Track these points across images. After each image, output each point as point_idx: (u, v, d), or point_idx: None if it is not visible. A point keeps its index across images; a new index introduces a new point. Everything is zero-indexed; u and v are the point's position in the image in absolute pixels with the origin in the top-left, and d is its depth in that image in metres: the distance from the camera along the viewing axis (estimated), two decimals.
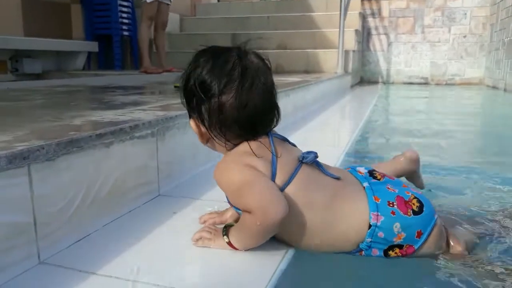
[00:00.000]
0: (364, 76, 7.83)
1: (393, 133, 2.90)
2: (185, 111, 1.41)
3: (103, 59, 5.91)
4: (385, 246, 0.93)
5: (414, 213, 0.94)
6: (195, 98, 0.94)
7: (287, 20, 6.70)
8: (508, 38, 6.14)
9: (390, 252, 0.94)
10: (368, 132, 2.78)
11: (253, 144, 0.95)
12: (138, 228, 1.04)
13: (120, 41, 5.76)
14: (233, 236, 0.93)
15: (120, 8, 5.66)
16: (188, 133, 1.43)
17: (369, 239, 0.92)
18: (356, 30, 6.73)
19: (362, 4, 7.57)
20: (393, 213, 0.92)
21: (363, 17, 7.56)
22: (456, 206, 1.31)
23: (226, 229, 0.95)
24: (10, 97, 2.07)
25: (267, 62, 0.98)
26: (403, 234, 0.92)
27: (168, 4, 5.00)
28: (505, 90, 6.15)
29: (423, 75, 7.69)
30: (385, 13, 7.63)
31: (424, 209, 0.95)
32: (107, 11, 5.60)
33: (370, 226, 0.92)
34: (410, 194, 0.98)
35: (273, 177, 0.91)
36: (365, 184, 0.98)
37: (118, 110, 1.42)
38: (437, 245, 0.97)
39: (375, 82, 7.79)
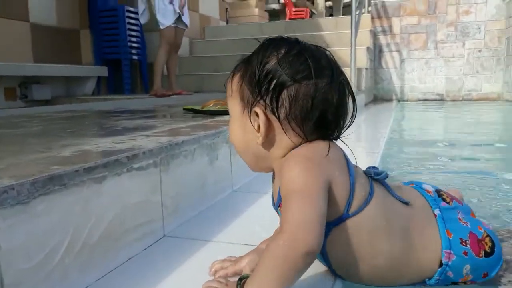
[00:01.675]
0: (378, 94, 7.65)
1: (417, 161, 2.68)
2: (192, 137, 1.26)
3: (113, 84, 5.85)
4: (449, 283, 0.85)
5: (486, 254, 0.84)
6: (277, 80, 0.79)
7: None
8: None
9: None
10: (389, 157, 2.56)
11: (334, 147, 0.82)
12: (139, 281, 0.86)
13: (130, 65, 5.69)
14: (250, 281, 0.74)
15: (129, 32, 5.61)
16: (196, 160, 1.26)
17: (437, 277, 0.83)
18: (368, 48, 6.60)
19: (373, 21, 7.45)
20: (465, 253, 0.83)
21: (374, 34, 7.43)
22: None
23: (241, 282, 0.76)
24: (8, 124, 1.93)
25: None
26: (470, 276, 0.84)
27: (183, 29, 4.97)
28: None
29: (438, 91, 7.49)
30: (396, 30, 7.50)
31: (495, 249, 0.85)
32: (116, 36, 5.56)
33: (441, 264, 0.82)
34: (482, 230, 0.87)
35: (350, 195, 0.79)
36: (437, 212, 0.86)
37: (117, 137, 1.26)
38: None
39: (389, 100, 7.60)
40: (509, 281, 0.90)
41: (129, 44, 5.62)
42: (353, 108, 0.87)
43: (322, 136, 0.82)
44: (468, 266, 0.83)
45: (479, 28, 7.13)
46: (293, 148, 0.82)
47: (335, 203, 0.77)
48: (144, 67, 6.00)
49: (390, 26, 7.48)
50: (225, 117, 1.93)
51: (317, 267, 0.89)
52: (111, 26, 5.56)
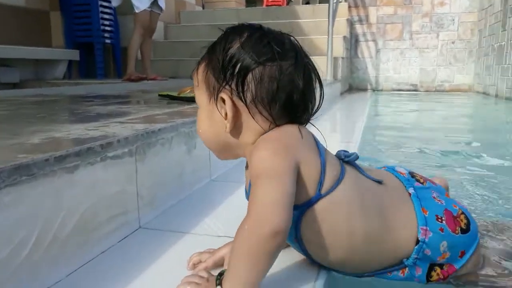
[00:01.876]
0: (353, 83, 7.71)
1: (393, 146, 2.72)
2: (170, 124, 1.22)
3: (85, 68, 5.67)
4: (427, 264, 0.82)
5: (462, 231, 0.84)
6: (241, 64, 0.78)
7: (274, 27, 6.47)
8: (498, 44, 6.07)
9: (433, 273, 0.83)
10: (367, 144, 2.59)
11: (303, 130, 0.82)
12: (113, 276, 0.82)
13: (102, 49, 5.52)
14: (226, 274, 0.71)
15: (101, 15, 5.43)
16: (173, 149, 1.22)
17: (415, 256, 0.81)
18: (344, 37, 6.60)
19: (350, 10, 7.46)
20: (441, 230, 0.81)
21: (351, 23, 7.44)
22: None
23: (221, 278, 0.73)
24: None
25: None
26: (448, 254, 0.82)
27: (158, 13, 4.84)
28: (496, 96, 6.06)
29: (412, 82, 7.60)
30: (372, 19, 7.54)
31: (470, 227, 0.85)
32: (88, 18, 5.38)
33: (418, 241, 0.80)
34: (457, 208, 0.86)
35: (321, 174, 0.77)
36: (411, 191, 0.86)
37: (90, 124, 1.20)
38: (476, 264, 0.88)
39: (364, 89, 7.66)
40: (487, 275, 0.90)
41: (102, 27, 5.44)
42: (320, 92, 0.86)
43: (291, 121, 0.82)
44: (445, 243, 0.81)
45: (453, 19, 7.24)
46: (262, 134, 0.81)
47: (306, 183, 0.76)
48: (118, 51, 5.84)
49: (367, 16, 7.51)
50: None
51: (299, 259, 0.87)
52: (83, 8, 5.37)
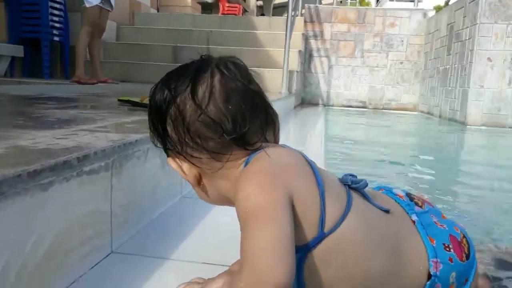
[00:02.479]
0: (305, 97, 7.81)
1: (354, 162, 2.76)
2: (146, 135, 1.11)
3: (29, 66, 5.30)
4: None
5: (466, 257, 0.77)
6: (159, 121, 0.74)
7: (230, 36, 6.49)
8: (443, 67, 6.39)
9: None
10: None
11: (288, 151, 0.74)
12: None
13: (50, 46, 5.20)
14: None
15: (51, 10, 5.12)
16: (148, 162, 1.12)
17: None
18: (300, 51, 6.69)
19: (305, 25, 7.59)
20: (450, 260, 0.75)
21: (306, 38, 7.56)
22: None
23: None
24: None
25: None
26: (455, 284, 0.76)
27: (109, 11, 4.62)
28: (440, 116, 6.36)
29: (361, 99, 7.82)
30: (327, 35, 7.70)
31: (471, 250, 0.79)
32: (37, 13, 5.04)
33: (429, 276, 0.73)
34: (459, 231, 0.80)
35: (322, 208, 0.66)
36: (414, 218, 0.78)
37: (55, 131, 1.07)
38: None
39: (316, 104, 7.78)
40: None
41: (50, 23, 5.13)
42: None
43: (244, 144, 0.71)
44: (454, 274, 0.75)
45: (402, 41, 7.55)
46: (235, 172, 0.72)
47: (304, 220, 0.65)
48: (66, 49, 5.52)
49: (321, 32, 7.66)
50: None
51: None
52: (31, 1, 5.03)
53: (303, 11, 7.78)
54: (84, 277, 0.81)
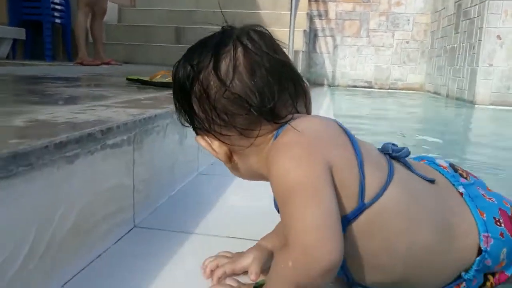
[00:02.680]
0: (310, 78, 7.73)
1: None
2: (165, 110, 1.09)
3: (31, 49, 5.24)
4: (482, 275, 0.70)
5: None
6: (185, 101, 0.70)
7: (234, 16, 6.20)
8: (450, 46, 6.30)
9: (486, 283, 0.71)
10: None
11: (323, 119, 0.70)
12: (112, 285, 0.69)
13: (52, 29, 5.14)
14: None
15: None
16: (167, 138, 1.09)
17: (476, 268, 0.68)
18: (304, 31, 6.60)
19: (309, 4, 7.46)
20: (501, 235, 0.69)
21: (311, 18, 7.45)
22: None
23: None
24: None
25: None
26: (505, 261, 0.70)
27: None
28: (447, 96, 6.30)
29: (367, 78, 7.75)
30: (331, 15, 7.59)
31: None
32: None
33: (479, 251, 0.68)
34: (508, 206, 0.74)
35: (361, 178, 0.63)
36: (461, 190, 0.72)
37: (71, 106, 1.04)
38: None
39: (321, 84, 7.72)
40: None
41: (52, 5, 5.06)
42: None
43: (276, 118, 0.67)
44: (505, 250, 0.70)
45: (408, 20, 7.44)
46: (262, 145, 0.68)
47: (344, 191, 0.62)
48: (68, 32, 5.45)
49: (326, 11, 7.55)
50: None
51: None
52: None
53: None
54: (109, 251, 0.80)
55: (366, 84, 7.73)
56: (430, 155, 0.83)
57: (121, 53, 5.57)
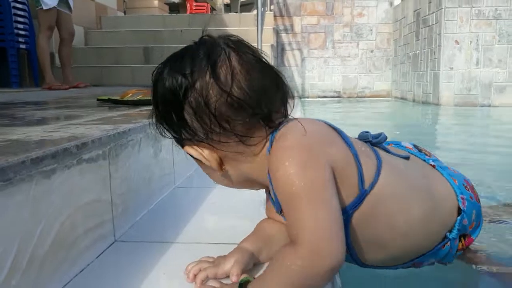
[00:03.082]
0: None
1: None
2: (138, 125, 1.10)
3: None
4: (458, 236, 0.81)
5: (478, 201, 0.83)
6: (174, 112, 0.69)
7: (201, 34, 6.45)
8: (413, 52, 6.53)
9: (459, 244, 0.82)
10: None
11: (315, 122, 0.74)
12: None
13: (17, 54, 5.05)
14: None
15: (15, 18, 4.97)
16: (143, 151, 1.10)
17: (458, 227, 0.78)
18: (272, 45, 6.70)
19: (275, 19, 7.61)
20: (471, 198, 0.80)
21: (277, 32, 7.59)
22: None
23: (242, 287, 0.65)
24: None
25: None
26: (474, 223, 0.82)
27: (69, 14, 4.51)
28: (413, 100, 6.50)
29: (335, 88, 7.91)
30: (297, 29, 7.75)
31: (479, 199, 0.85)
32: (0, 21, 4.89)
33: (459, 212, 0.78)
34: (468, 178, 0.86)
35: (358, 168, 0.69)
36: (432, 163, 0.84)
37: (45, 126, 1.04)
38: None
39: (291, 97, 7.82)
40: None
41: (15, 31, 4.98)
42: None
43: (269, 122, 0.70)
44: (474, 211, 0.80)
45: (371, 30, 7.68)
46: (256, 150, 0.71)
47: (346, 183, 0.67)
48: (34, 57, 5.37)
49: (292, 25, 7.71)
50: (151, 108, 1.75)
51: None
52: None
53: (272, 6, 7.81)
54: (91, 266, 0.80)
55: (335, 94, 7.89)
56: (394, 140, 0.91)
57: (90, 76, 5.52)
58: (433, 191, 0.77)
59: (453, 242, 0.79)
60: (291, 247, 0.61)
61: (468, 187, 0.81)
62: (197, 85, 0.67)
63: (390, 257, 0.77)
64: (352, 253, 0.75)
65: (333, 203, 0.63)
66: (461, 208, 0.77)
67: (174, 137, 0.74)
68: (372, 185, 0.69)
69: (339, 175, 0.67)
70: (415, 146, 0.88)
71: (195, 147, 0.71)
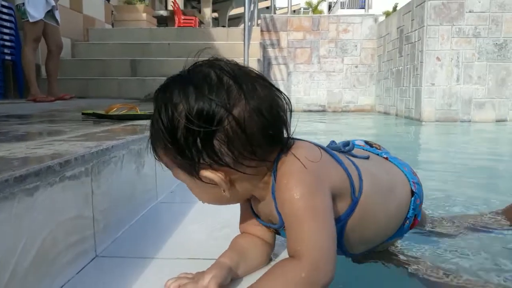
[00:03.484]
0: None
1: None
2: (121, 141, 1.12)
3: None
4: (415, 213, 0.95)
5: (420, 183, 0.98)
6: (200, 138, 0.69)
7: (189, 47, 6.50)
8: (396, 68, 6.66)
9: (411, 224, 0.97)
10: None
11: (312, 146, 0.81)
12: None
13: (2, 66, 5.03)
14: None
15: (1, 29, 4.97)
16: (124, 168, 1.13)
17: (413, 208, 0.93)
18: (258, 60, 6.78)
19: (262, 34, 7.71)
20: (419, 181, 0.97)
21: (264, 47, 7.68)
22: None
23: None
24: None
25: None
26: (421, 204, 0.96)
27: (57, 26, 4.52)
28: (396, 115, 6.61)
29: (320, 103, 8.01)
30: (283, 43, 7.86)
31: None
32: None
33: (412, 194, 0.94)
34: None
35: (350, 181, 0.81)
36: (384, 156, 0.98)
37: (28, 142, 1.06)
38: (424, 219, 1.09)
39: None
40: None
41: (1, 42, 4.97)
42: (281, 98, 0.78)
43: (280, 145, 0.76)
44: (422, 194, 0.96)
45: (356, 45, 7.82)
46: (266, 173, 0.76)
47: (343, 197, 0.79)
48: (19, 68, 5.36)
49: (278, 40, 7.82)
50: (136, 122, 1.78)
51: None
52: None
53: (259, 21, 7.92)
54: (72, 281, 0.82)
55: (320, 108, 7.98)
56: (347, 139, 1.00)
57: (76, 88, 5.51)
58: (396, 183, 0.91)
59: (411, 219, 0.93)
60: (292, 261, 0.68)
61: (414, 172, 0.98)
62: (235, 112, 0.68)
63: (372, 245, 0.91)
64: (343, 248, 0.86)
65: (331, 226, 0.71)
66: (414, 191, 0.92)
67: (188, 163, 0.73)
68: (360, 192, 0.80)
69: (337, 192, 0.77)
70: (366, 142, 1.00)
71: (213, 171, 0.72)
